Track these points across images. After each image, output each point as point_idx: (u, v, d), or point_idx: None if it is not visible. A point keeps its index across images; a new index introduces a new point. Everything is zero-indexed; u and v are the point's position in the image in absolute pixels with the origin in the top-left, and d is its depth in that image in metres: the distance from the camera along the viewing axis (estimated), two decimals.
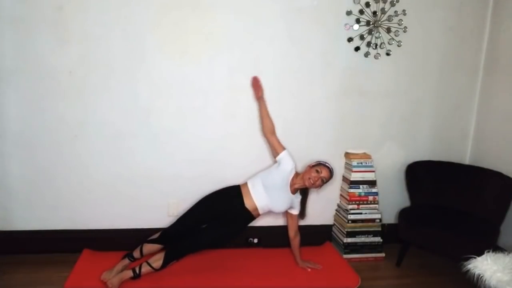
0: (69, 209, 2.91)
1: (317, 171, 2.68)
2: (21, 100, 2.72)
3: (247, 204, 2.72)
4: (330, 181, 2.82)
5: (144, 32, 2.77)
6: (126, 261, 2.63)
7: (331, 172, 2.74)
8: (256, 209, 2.73)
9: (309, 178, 2.67)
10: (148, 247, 2.68)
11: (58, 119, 2.78)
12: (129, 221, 3.00)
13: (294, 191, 2.77)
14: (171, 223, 2.83)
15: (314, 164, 2.79)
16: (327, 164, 2.76)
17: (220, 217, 2.68)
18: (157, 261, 2.51)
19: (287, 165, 2.76)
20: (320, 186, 2.74)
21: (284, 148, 2.79)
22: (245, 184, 2.81)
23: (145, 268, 2.49)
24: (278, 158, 2.79)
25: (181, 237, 2.65)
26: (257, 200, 2.72)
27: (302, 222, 2.94)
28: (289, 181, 2.75)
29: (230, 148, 3.04)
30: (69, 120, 2.80)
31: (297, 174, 2.79)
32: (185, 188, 3.00)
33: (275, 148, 2.80)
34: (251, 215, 2.74)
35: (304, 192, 2.85)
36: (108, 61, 2.76)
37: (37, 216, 2.88)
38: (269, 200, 2.72)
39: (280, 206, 2.76)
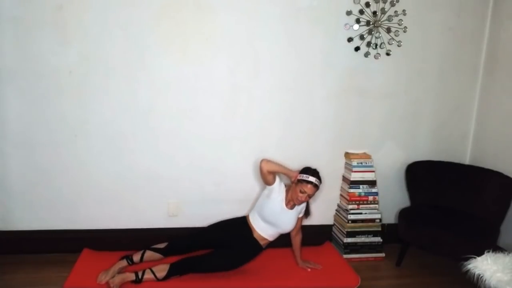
0: (69, 209, 2.91)
1: (301, 191, 2.61)
2: (21, 100, 2.72)
3: (255, 235, 2.76)
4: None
5: (144, 32, 2.77)
6: (124, 263, 2.63)
7: (315, 186, 2.63)
8: (264, 239, 2.76)
9: (297, 199, 2.66)
10: (149, 254, 2.68)
11: (58, 119, 2.78)
12: (129, 221, 3.00)
13: (292, 207, 2.74)
14: (180, 237, 2.80)
15: (299, 179, 2.65)
16: (309, 180, 2.61)
17: (230, 244, 2.69)
18: (161, 272, 2.51)
19: (276, 194, 2.72)
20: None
21: (275, 180, 2.72)
22: (248, 217, 2.83)
23: (148, 275, 2.49)
24: (269, 188, 2.73)
25: (185, 253, 2.68)
26: (262, 232, 2.76)
27: (303, 222, 2.94)
28: (284, 203, 2.72)
29: (230, 148, 3.04)
30: (69, 120, 2.80)
31: (288, 190, 2.74)
32: (185, 188, 3.01)
33: (268, 180, 2.70)
34: (259, 246, 2.76)
35: None
36: (108, 61, 2.76)
37: (37, 216, 2.88)
38: (275, 228, 2.75)
39: (289, 226, 2.77)
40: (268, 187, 2.75)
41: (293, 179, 2.71)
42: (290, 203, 2.72)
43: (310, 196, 2.66)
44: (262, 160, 2.67)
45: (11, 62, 2.66)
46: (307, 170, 2.67)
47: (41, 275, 2.65)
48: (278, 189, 2.73)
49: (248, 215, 2.85)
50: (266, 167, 2.65)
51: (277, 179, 2.74)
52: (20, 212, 2.87)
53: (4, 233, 2.87)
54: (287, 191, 2.74)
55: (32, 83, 2.71)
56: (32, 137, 2.78)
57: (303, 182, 2.63)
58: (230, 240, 2.72)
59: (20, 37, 2.64)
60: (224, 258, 2.66)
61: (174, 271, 2.53)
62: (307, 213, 2.84)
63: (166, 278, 2.51)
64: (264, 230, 2.75)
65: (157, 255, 2.68)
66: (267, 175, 2.67)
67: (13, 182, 2.82)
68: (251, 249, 2.75)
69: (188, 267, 2.59)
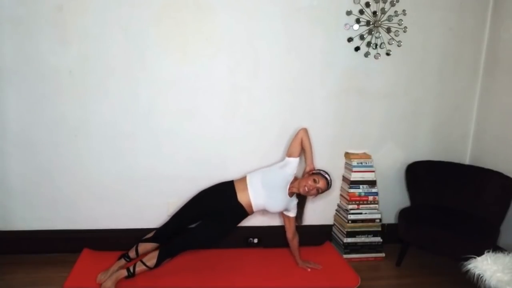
0: (69, 209, 2.91)
1: (314, 181, 2.63)
2: (21, 100, 2.72)
3: (241, 199, 2.69)
4: (327, 192, 2.79)
5: (144, 32, 2.77)
6: (122, 261, 2.63)
7: (328, 183, 2.69)
8: (250, 205, 2.70)
9: (305, 186, 2.64)
10: (143, 246, 2.68)
11: (58, 119, 2.78)
12: (129, 221, 3.00)
13: (291, 195, 2.75)
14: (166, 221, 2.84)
15: (315, 172, 2.73)
16: (326, 176, 2.69)
17: (213, 213, 2.66)
18: (151, 259, 2.51)
19: (290, 170, 2.74)
20: (315, 195, 2.71)
21: (299, 156, 2.77)
22: (243, 178, 2.78)
23: (139, 267, 2.49)
24: (289, 159, 2.75)
25: (175, 235, 2.65)
26: (253, 196, 2.69)
27: (302, 222, 2.94)
28: (288, 184, 2.74)
29: (230, 148, 3.04)
30: (69, 120, 2.80)
31: (295, 179, 2.77)
32: (184, 188, 3.00)
33: (295, 151, 2.75)
34: (244, 211, 2.71)
35: (302, 197, 2.82)
36: (108, 61, 2.76)
37: (37, 216, 2.88)
38: (266, 199, 2.69)
39: (276, 207, 2.74)
40: (287, 159, 2.77)
41: (308, 169, 2.78)
42: (292, 189, 2.72)
43: (318, 190, 2.66)
44: (303, 128, 2.79)
45: (11, 62, 2.66)
46: (325, 171, 2.75)
47: (41, 275, 2.65)
48: (294, 167, 2.75)
49: (244, 177, 2.79)
50: (302, 135, 2.76)
51: (298, 159, 2.77)
52: (21, 212, 2.87)
53: (4, 233, 2.87)
54: (294, 180, 2.75)
55: (32, 83, 2.71)
56: (32, 137, 2.78)
57: (319, 175, 2.69)
58: (213, 209, 2.68)
59: (20, 37, 2.64)
60: (209, 229, 2.63)
61: (164, 256, 2.53)
62: (298, 218, 2.84)
63: (158, 264, 2.51)
64: (256, 194, 2.68)
65: (151, 245, 2.68)
66: (298, 144, 2.75)
67: (13, 182, 2.82)
68: (234, 213, 2.70)
69: (177, 248, 2.59)
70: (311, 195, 2.70)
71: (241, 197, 2.70)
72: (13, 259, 2.80)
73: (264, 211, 2.80)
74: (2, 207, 2.84)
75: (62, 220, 2.92)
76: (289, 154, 2.78)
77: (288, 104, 3.06)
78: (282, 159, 2.89)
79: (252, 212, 2.75)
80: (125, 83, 2.81)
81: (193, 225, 2.71)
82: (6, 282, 2.57)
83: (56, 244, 2.91)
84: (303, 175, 2.81)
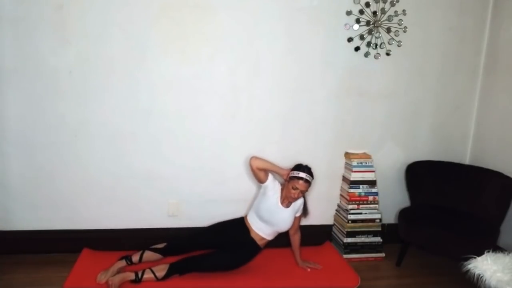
0: (69, 209, 2.91)
1: (293, 188, 2.63)
2: (21, 100, 2.72)
3: (253, 235, 2.76)
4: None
5: (144, 32, 2.77)
6: (123, 263, 2.63)
7: (308, 181, 2.65)
8: (262, 238, 2.76)
9: (290, 197, 2.67)
10: (148, 255, 2.68)
11: (58, 119, 2.78)
12: (129, 221, 3.00)
13: (288, 205, 2.74)
14: (179, 237, 2.82)
15: (290, 176, 2.68)
16: (300, 175, 2.63)
17: (230, 245, 2.70)
18: (161, 271, 2.52)
19: (272, 192, 2.73)
20: (303, 194, 2.73)
21: (267, 177, 2.73)
22: (246, 219, 2.83)
23: (147, 275, 2.49)
24: (263, 185, 2.75)
25: (184, 253, 2.68)
26: (259, 231, 2.76)
27: (303, 222, 2.94)
28: (279, 201, 2.73)
29: (230, 148, 3.04)
30: (69, 120, 2.80)
31: (282, 188, 2.77)
32: (185, 188, 3.01)
33: (262, 177, 2.72)
34: (257, 245, 2.77)
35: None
36: (108, 61, 2.76)
37: (37, 216, 2.88)
38: (271, 227, 2.74)
39: (285, 225, 2.76)
40: (262, 185, 2.77)
41: (285, 177, 2.74)
42: (285, 201, 2.73)
43: (302, 192, 2.68)
44: (251, 158, 2.71)
45: (11, 62, 2.66)
46: (299, 167, 2.70)
47: (41, 275, 2.65)
48: (272, 187, 2.74)
49: (246, 216, 2.85)
50: (255, 164, 2.69)
51: (270, 176, 2.75)
52: (20, 212, 2.87)
53: (4, 233, 2.87)
54: (282, 190, 2.75)
55: (32, 83, 2.71)
56: (32, 137, 2.78)
57: (294, 179, 2.65)
58: (227, 241, 2.73)
59: (20, 37, 2.64)
60: (223, 258, 2.67)
61: (173, 271, 2.54)
62: (305, 212, 2.85)
63: (165, 277, 2.52)
64: (261, 229, 2.76)
65: (156, 255, 2.68)
66: (257, 172, 2.70)
67: (13, 182, 2.82)
68: (249, 249, 2.76)
69: (188, 267, 2.60)
70: (301, 197, 2.73)
71: (252, 234, 2.77)
72: (13, 259, 2.80)
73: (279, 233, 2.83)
74: (2, 207, 2.84)
75: (62, 220, 2.92)
76: (259, 182, 2.77)
77: (288, 104, 3.06)
78: (282, 158, 2.92)
79: (267, 243, 2.80)
80: (125, 83, 2.81)
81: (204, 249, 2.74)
82: (6, 282, 2.57)
83: (56, 244, 2.91)
84: (284, 180, 2.77)
